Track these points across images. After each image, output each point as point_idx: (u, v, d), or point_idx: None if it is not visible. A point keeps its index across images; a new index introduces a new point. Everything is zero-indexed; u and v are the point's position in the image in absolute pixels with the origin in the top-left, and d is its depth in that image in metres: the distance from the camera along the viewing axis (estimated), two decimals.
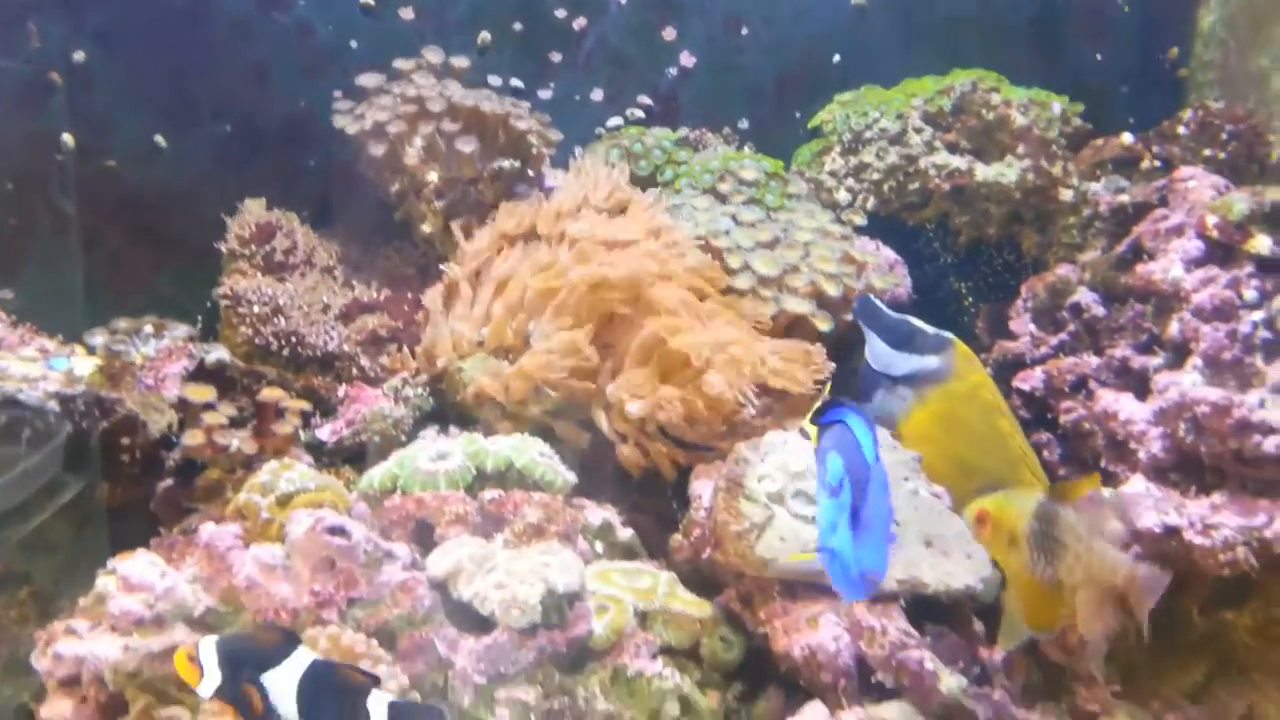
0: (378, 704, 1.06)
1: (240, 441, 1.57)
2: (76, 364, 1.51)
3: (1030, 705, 1.66)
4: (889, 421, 1.76)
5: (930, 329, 1.81)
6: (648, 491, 1.92)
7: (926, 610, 1.45)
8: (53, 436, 1.40)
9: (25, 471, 1.45)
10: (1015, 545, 1.43)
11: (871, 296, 1.93)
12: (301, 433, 1.74)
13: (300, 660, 1.07)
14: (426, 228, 2.21)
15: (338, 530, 1.32)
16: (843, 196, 2.52)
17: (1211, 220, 1.55)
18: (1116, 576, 1.37)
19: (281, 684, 1.05)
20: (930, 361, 1.78)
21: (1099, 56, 2.63)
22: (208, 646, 1.07)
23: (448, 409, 1.99)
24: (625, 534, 1.70)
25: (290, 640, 1.10)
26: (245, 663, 1.06)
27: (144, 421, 1.50)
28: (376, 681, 1.09)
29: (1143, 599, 1.33)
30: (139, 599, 1.27)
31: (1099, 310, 1.79)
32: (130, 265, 2.33)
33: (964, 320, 2.48)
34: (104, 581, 1.35)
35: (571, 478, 1.70)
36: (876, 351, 1.85)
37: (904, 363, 1.80)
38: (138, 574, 1.29)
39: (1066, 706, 1.67)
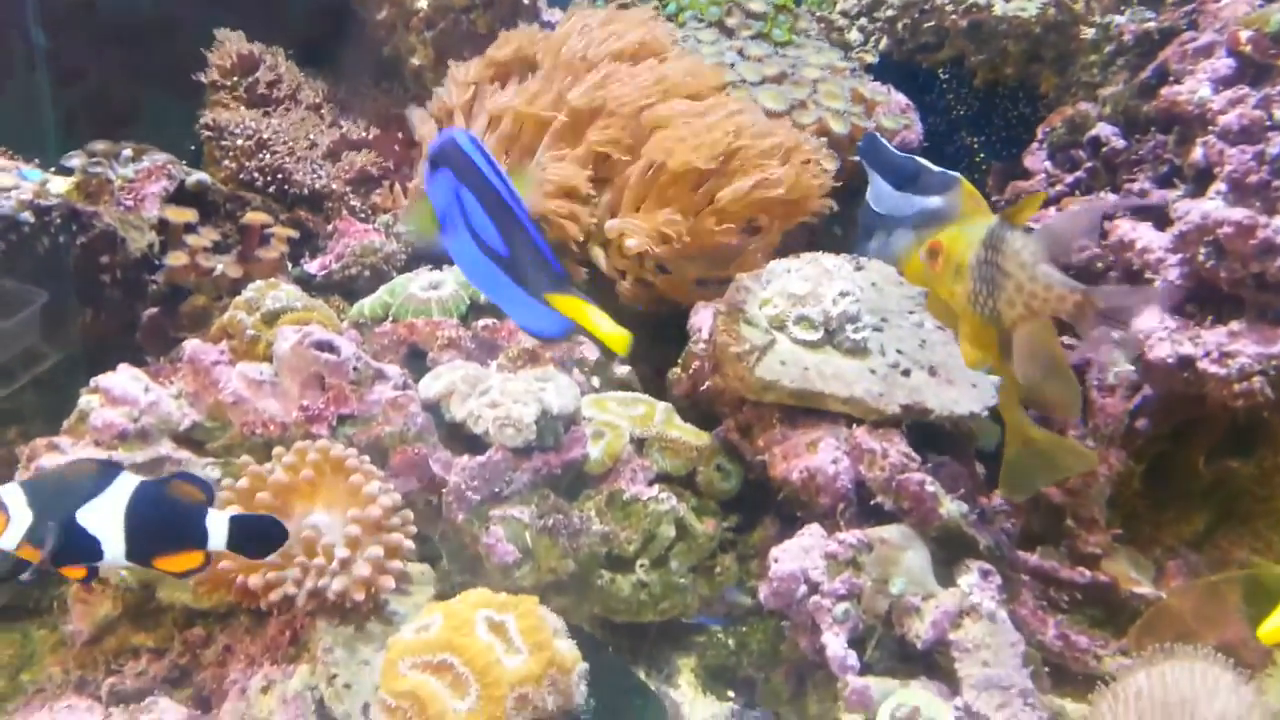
0: (217, 520, 1.00)
1: (225, 265, 1.52)
2: (53, 181, 1.44)
3: (1030, 547, 1.66)
4: (889, 264, 1.69)
5: (935, 168, 1.74)
6: (644, 334, 1.88)
7: (927, 441, 1.42)
8: (27, 248, 1.34)
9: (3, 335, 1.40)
10: (960, 277, 1.42)
11: (877, 134, 1.85)
12: (289, 266, 1.68)
13: (124, 487, 0.98)
14: (416, 60, 2.10)
15: (326, 345, 1.28)
16: (855, 37, 2.41)
17: (1245, 35, 1.45)
18: (1064, 304, 1.32)
19: (104, 516, 0.96)
20: (933, 202, 1.71)
21: None
22: (10, 490, 0.95)
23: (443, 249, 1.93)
24: (622, 370, 1.67)
25: (110, 469, 1.00)
26: (57, 501, 0.95)
27: (123, 238, 1.44)
28: (210, 494, 1.02)
29: (1090, 324, 1.29)
30: (122, 412, 1.24)
31: (1118, 143, 1.70)
32: (108, 100, 2.22)
33: (975, 177, 2.39)
34: (87, 399, 1.32)
35: None
36: (879, 191, 1.79)
37: (906, 203, 1.74)
38: (120, 387, 1.25)
39: (1066, 549, 1.67)
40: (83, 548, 0.97)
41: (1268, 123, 1.41)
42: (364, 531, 1.16)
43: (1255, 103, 1.42)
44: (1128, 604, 1.59)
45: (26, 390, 1.66)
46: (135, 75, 2.23)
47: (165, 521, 0.98)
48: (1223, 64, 1.50)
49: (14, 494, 0.95)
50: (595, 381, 1.61)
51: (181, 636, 1.31)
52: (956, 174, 1.75)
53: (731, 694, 1.47)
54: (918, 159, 1.79)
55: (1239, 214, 1.32)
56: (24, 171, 1.40)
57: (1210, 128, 1.48)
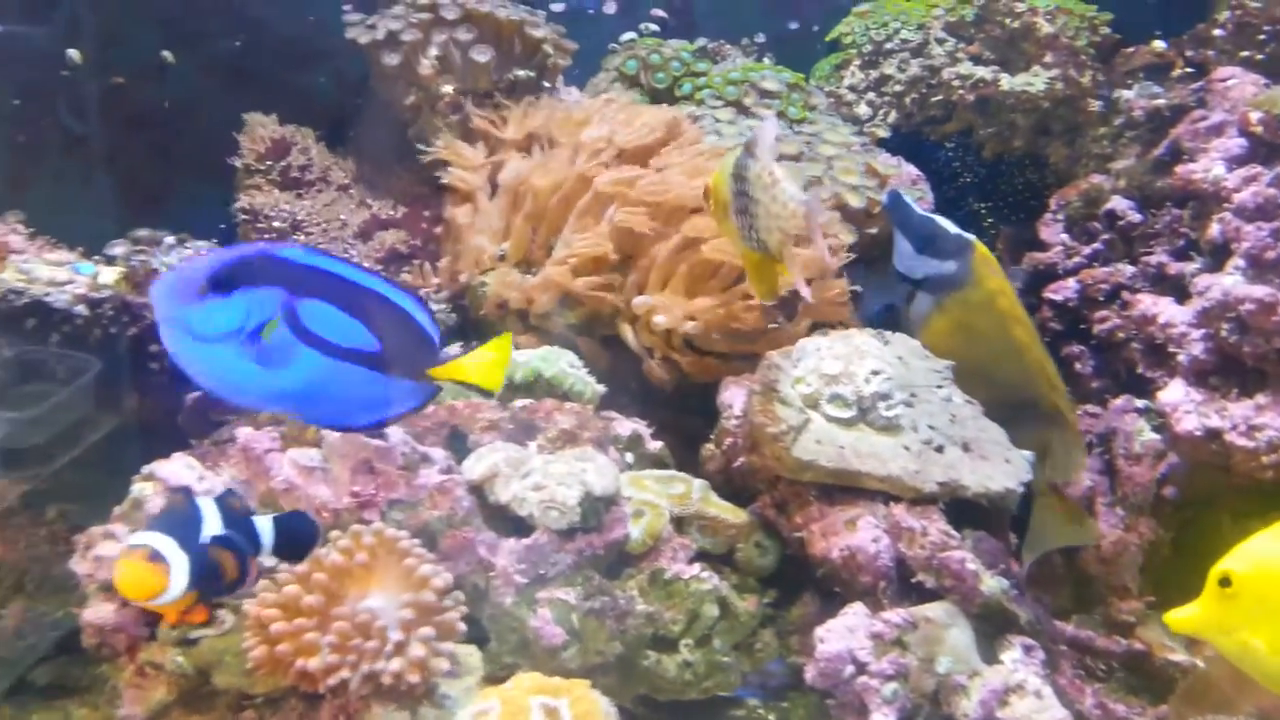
0: (264, 522, 1.10)
1: None
2: (102, 272, 1.48)
3: (1066, 616, 1.68)
4: (913, 326, 1.71)
5: (952, 230, 1.71)
6: (671, 408, 1.91)
7: (962, 514, 1.44)
8: (80, 341, 1.37)
9: (56, 406, 1.43)
10: (726, 214, 1.35)
11: (901, 191, 1.82)
12: None
13: (210, 508, 1.07)
14: (441, 142, 2.16)
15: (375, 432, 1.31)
16: (863, 110, 2.48)
17: (1255, 116, 1.51)
18: (797, 219, 1.25)
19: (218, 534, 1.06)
20: (948, 266, 1.69)
21: None
22: (151, 536, 1.01)
23: (470, 324, 1.97)
24: (654, 446, 1.69)
25: (189, 495, 1.09)
26: (188, 534, 1.03)
27: None
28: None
29: (813, 232, 1.25)
30: None
31: (1134, 216, 1.76)
32: (140, 183, 2.28)
33: (985, 241, 2.45)
34: (140, 487, 1.34)
35: (600, 388, 1.69)
36: (901, 251, 1.76)
37: (923, 265, 1.72)
38: (175, 477, 1.28)
39: (1101, 617, 1.69)
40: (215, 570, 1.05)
41: None
42: (418, 614, 1.18)
43: (1269, 181, 1.47)
44: (1163, 671, 1.60)
45: (68, 469, 1.69)
46: (165, 159, 2.30)
47: (241, 532, 1.06)
48: (1234, 143, 1.55)
49: (157, 539, 1.00)
50: (629, 457, 1.64)
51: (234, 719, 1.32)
52: (971, 237, 1.73)
53: None
54: (936, 219, 1.76)
55: (1260, 291, 1.36)
56: (78, 266, 1.45)
57: (1226, 205, 1.53)
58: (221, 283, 0.97)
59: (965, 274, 1.69)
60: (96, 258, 1.63)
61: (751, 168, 1.28)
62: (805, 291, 1.30)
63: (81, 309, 1.38)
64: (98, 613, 1.30)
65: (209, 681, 1.31)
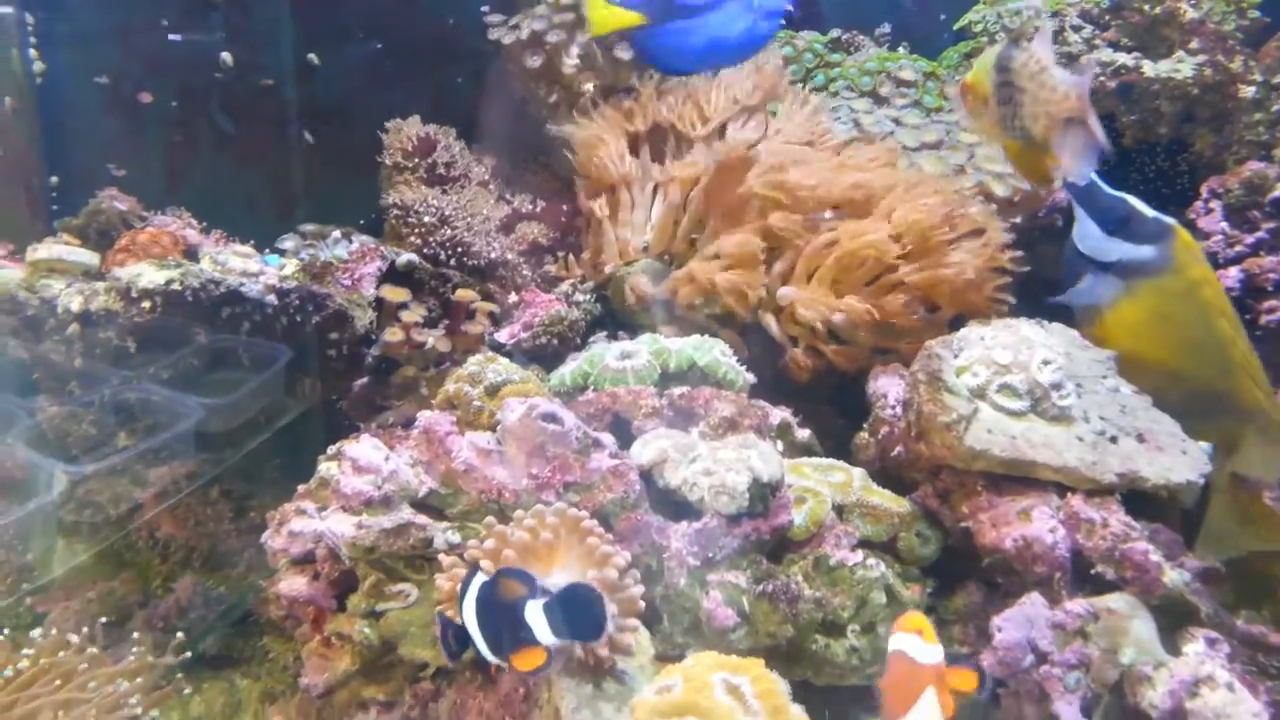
0: (534, 610, 1.06)
1: (435, 339, 1.61)
2: (285, 263, 1.55)
3: (1234, 612, 1.63)
4: (1092, 312, 1.66)
5: (1150, 212, 1.62)
6: (805, 399, 1.91)
7: (1134, 509, 1.42)
8: (269, 329, 1.45)
9: (251, 393, 1.51)
10: (987, 105, 1.39)
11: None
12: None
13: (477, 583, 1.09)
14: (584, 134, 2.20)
15: (550, 416, 1.35)
16: None
17: None
18: (1069, 101, 1.31)
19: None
20: (1144, 251, 1.61)
21: None
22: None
23: (613, 315, 2.01)
24: (803, 434, 1.70)
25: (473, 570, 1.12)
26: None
27: (351, 316, 1.54)
28: (532, 587, 1.08)
29: (1086, 111, 1.30)
30: (368, 479, 1.32)
31: None
32: (287, 181, 2.37)
33: None
34: (326, 466, 1.40)
35: (750, 378, 1.70)
36: (1086, 232, 1.67)
37: (1115, 249, 1.63)
38: (365, 456, 1.33)
39: (1269, 614, 1.64)
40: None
41: None
42: (602, 590, 1.21)
43: None
44: None
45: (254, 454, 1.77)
46: (312, 157, 2.39)
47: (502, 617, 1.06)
48: None
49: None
50: (779, 445, 1.65)
51: (411, 690, 1.37)
52: (1172, 221, 1.64)
53: None
54: (1129, 200, 1.67)
55: None
56: (267, 258, 1.52)
57: None
58: None
59: (1165, 260, 1.60)
60: (267, 250, 1.70)
61: (1017, 58, 1.34)
62: (1073, 171, 1.37)
63: (271, 299, 1.45)
64: (291, 585, 1.36)
65: (391, 653, 1.37)
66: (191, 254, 1.68)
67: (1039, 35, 1.35)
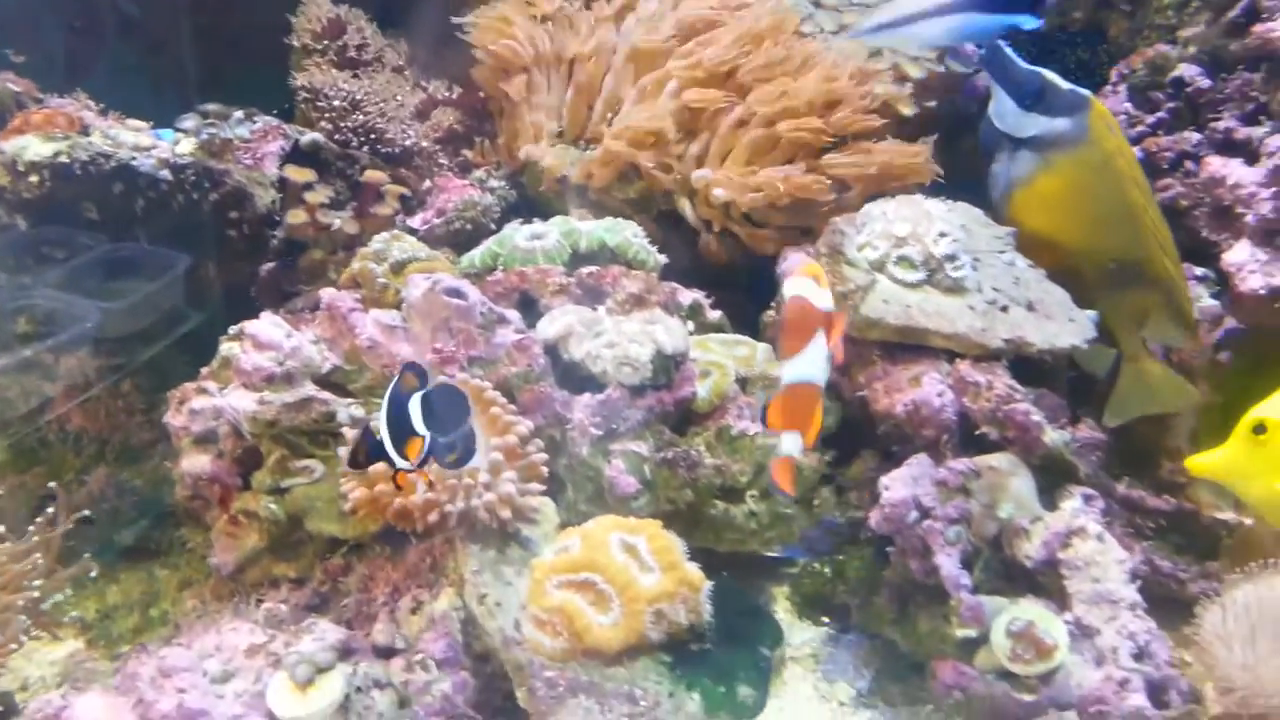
0: (414, 402, 1.05)
1: (342, 221, 1.59)
2: (180, 140, 1.52)
3: (1116, 478, 1.71)
4: (1009, 187, 1.66)
5: (1064, 84, 1.61)
6: (723, 285, 1.93)
7: (1022, 374, 1.47)
8: (164, 206, 1.42)
9: (147, 298, 1.48)
10: None
11: (1001, 45, 1.69)
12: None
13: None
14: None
15: (455, 291, 1.35)
16: None
17: None
18: None
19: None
20: (1060, 123, 1.60)
21: None
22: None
23: (528, 201, 2.00)
24: (714, 314, 1.72)
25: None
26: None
27: (250, 195, 1.52)
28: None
29: None
30: (269, 356, 1.32)
31: (1203, 82, 1.73)
32: (195, 66, 2.29)
33: None
34: (228, 346, 1.40)
35: (662, 259, 1.72)
36: (1002, 108, 1.67)
37: (1031, 123, 1.63)
38: (265, 333, 1.33)
39: (1150, 479, 1.72)
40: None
41: None
42: (505, 456, 1.24)
43: None
44: (1210, 530, 1.64)
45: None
46: (220, 39, 2.30)
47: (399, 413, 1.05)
48: None
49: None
50: (690, 325, 1.67)
51: (322, 566, 1.40)
52: (1086, 92, 1.63)
53: (826, 619, 1.54)
54: (1044, 73, 1.66)
55: None
56: (159, 133, 1.48)
57: None
58: None
59: (1081, 132, 1.60)
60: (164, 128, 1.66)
61: None
62: None
63: (166, 174, 1.42)
64: (193, 463, 1.37)
65: (299, 529, 1.39)
66: (88, 132, 1.63)
67: None
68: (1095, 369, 1.62)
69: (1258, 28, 1.61)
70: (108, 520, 1.70)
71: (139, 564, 1.74)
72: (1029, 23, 1.58)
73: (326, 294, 1.39)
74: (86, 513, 1.49)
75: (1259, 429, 1.23)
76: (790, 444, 1.12)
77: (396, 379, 1.06)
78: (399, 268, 1.43)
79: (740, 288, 1.93)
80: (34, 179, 1.34)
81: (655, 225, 1.91)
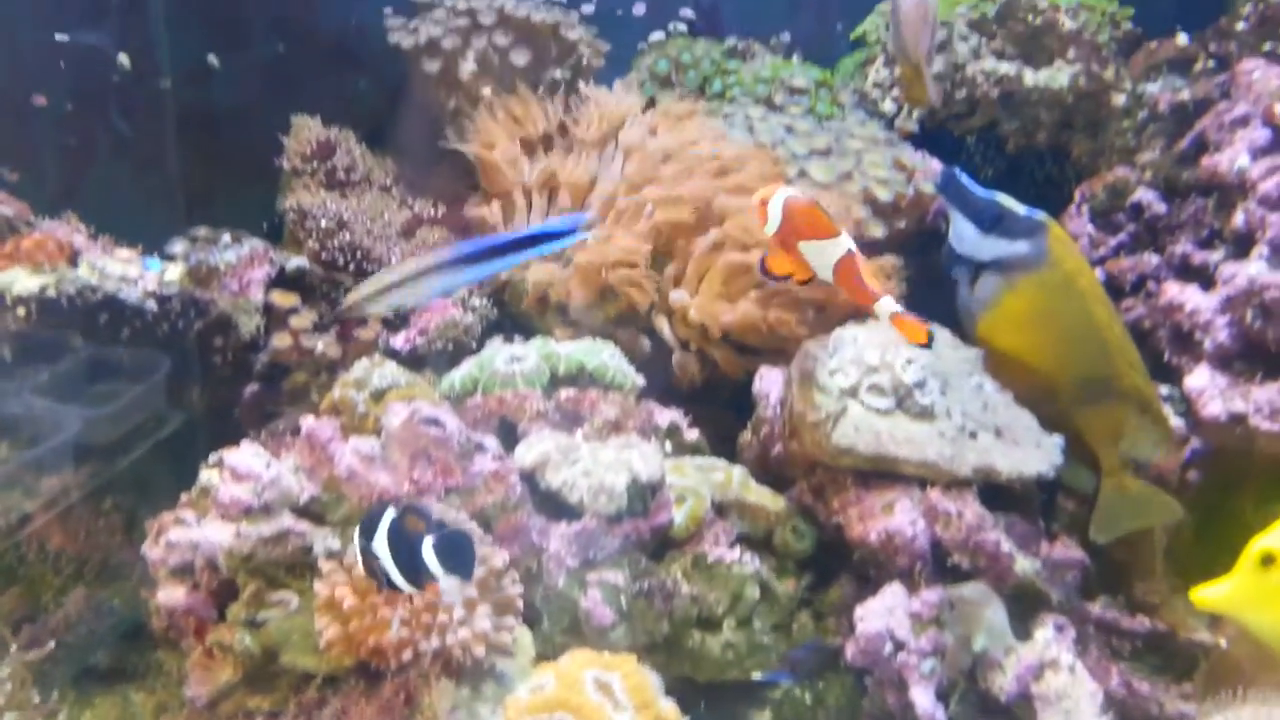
0: (428, 547, 1.11)
1: (325, 345, 1.62)
2: (168, 267, 1.55)
3: (1091, 599, 1.72)
4: (975, 309, 1.70)
5: (1021, 209, 1.67)
6: (701, 401, 1.96)
7: (995, 498, 1.49)
8: (149, 336, 1.44)
9: (130, 403, 1.50)
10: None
11: (956, 171, 1.76)
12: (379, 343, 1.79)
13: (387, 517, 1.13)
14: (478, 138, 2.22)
15: (433, 421, 1.37)
16: (889, 106, 2.51)
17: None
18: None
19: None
20: (1019, 247, 1.65)
21: None
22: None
23: (510, 318, 2.03)
24: (692, 435, 1.75)
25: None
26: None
27: (235, 322, 1.55)
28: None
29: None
30: (247, 487, 1.33)
31: (1160, 207, 1.80)
32: (186, 185, 2.35)
33: None
34: (208, 474, 1.41)
35: (640, 380, 1.74)
36: (961, 232, 1.72)
37: (991, 246, 1.67)
38: (244, 464, 1.34)
39: (1125, 599, 1.73)
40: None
41: None
42: (480, 591, 1.24)
43: None
44: (1186, 651, 1.64)
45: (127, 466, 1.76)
46: (211, 160, 2.37)
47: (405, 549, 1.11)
48: (1260, 134, 1.59)
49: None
50: (668, 446, 1.69)
51: (297, 699, 1.38)
52: (1043, 215, 1.69)
53: None
54: (1000, 198, 1.71)
55: None
56: (148, 262, 1.52)
57: (1251, 194, 1.57)
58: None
59: (1041, 254, 1.64)
60: (158, 255, 1.69)
61: None
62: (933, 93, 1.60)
63: (151, 304, 1.45)
64: (169, 596, 1.37)
65: (273, 662, 1.38)
66: (78, 260, 1.66)
67: None
68: (1075, 485, 1.64)
69: (1206, 159, 1.68)
70: (84, 642, 1.68)
71: (114, 687, 1.72)
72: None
73: (306, 423, 1.40)
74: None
75: (1267, 560, 1.22)
76: (888, 304, 1.36)
77: (398, 515, 1.10)
78: (379, 395, 1.46)
79: (719, 401, 1.96)
80: (21, 312, 1.37)
81: (637, 341, 1.95)
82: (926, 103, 1.65)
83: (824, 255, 1.38)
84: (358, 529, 1.13)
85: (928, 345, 1.35)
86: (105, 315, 1.42)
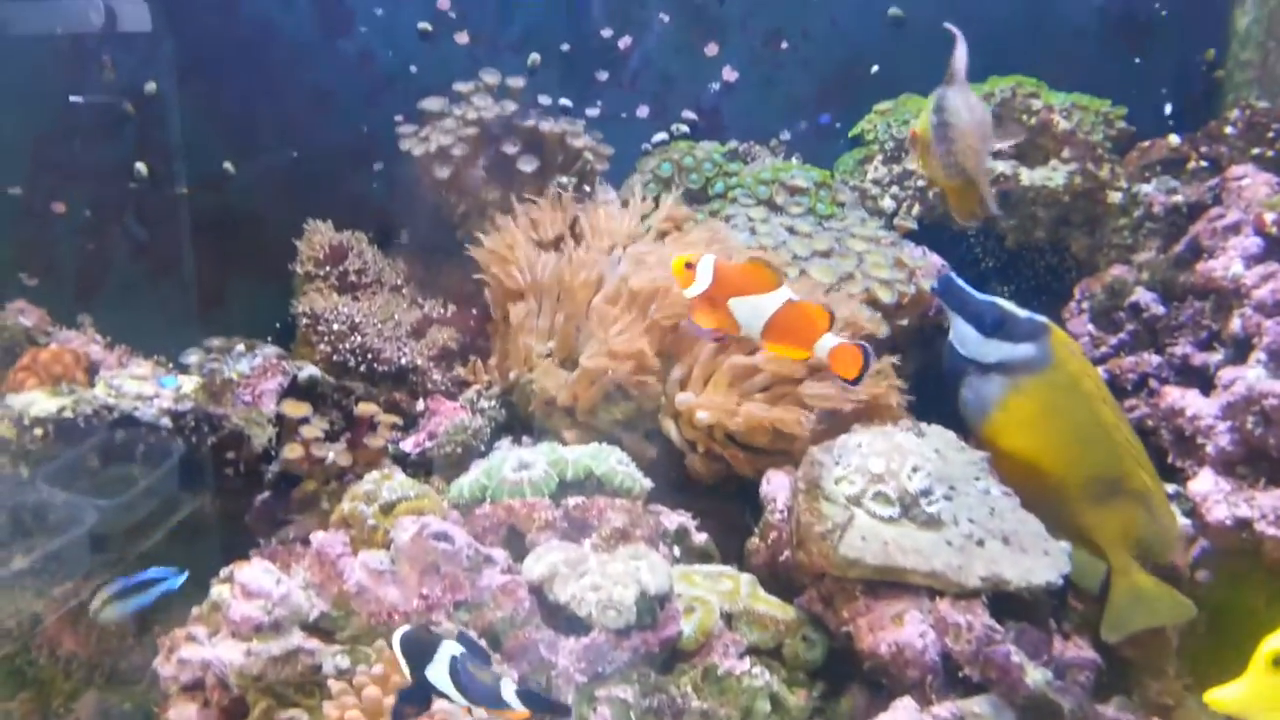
0: (508, 688, 1.14)
1: (335, 454, 1.64)
2: (182, 383, 1.58)
3: (1105, 699, 1.70)
4: (982, 410, 1.72)
5: (1022, 312, 1.70)
6: (713, 498, 1.97)
7: (1005, 605, 1.49)
8: (167, 454, 1.47)
9: (145, 490, 1.52)
10: (929, 149, 1.50)
11: (954, 276, 1.82)
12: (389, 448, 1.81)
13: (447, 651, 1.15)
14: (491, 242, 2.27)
15: (442, 536, 1.38)
16: (888, 204, 2.57)
17: (1270, 217, 1.59)
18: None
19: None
20: (1024, 349, 1.68)
21: (1137, 60, 2.66)
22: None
23: (519, 420, 2.06)
24: (700, 538, 1.75)
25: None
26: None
27: (248, 436, 1.58)
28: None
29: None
30: (257, 605, 1.34)
31: (1158, 309, 1.83)
32: (202, 289, 2.40)
33: None
34: (219, 590, 1.42)
35: (647, 483, 1.76)
36: (963, 336, 1.75)
37: (995, 349, 1.70)
38: (255, 581, 1.35)
39: (1139, 699, 1.71)
40: None
41: None
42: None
43: None
44: None
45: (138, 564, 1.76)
46: (227, 264, 2.42)
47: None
48: (1251, 242, 1.63)
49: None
50: (676, 550, 1.70)
51: None
52: (1044, 319, 1.72)
53: None
54: (999, 302, 1.75)
55: None
56: (162, 380, 1.55)
57: (1246, 300, 1.60)
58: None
59: (1046, 355, 1.67)
60: (173, 367, 1.73)
61: (951, 98, 1.46)
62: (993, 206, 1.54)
63: (166, 421, 1.48)
64: (181, 714, 1.36)
65: None
66: (94, 371, 1.70)
67: (956, 65, 1.47)
68: (1087, 584, 1.64)
69: (1201, 266, 1.72)
70: None
71: None
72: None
73: (317, 538, 1.42)
74: None
75: (1279, 661, 1.22)
76: (828, 340, 1.41)
77: (464, 657, 1.13)
78: (388, 508, 1.47)
79: (732, 497, 1.97)
80: (39, 432, 1.39)
81: (645, 441, 1.97)
82: (981, 216, 1.63)
83: (757, 310, 1.43)
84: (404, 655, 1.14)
85: (857, 381, 1.41)
86: (121, 433, 1.44)
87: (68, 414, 1.41)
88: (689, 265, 1.45)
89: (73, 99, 2.26)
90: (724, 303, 1.44)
